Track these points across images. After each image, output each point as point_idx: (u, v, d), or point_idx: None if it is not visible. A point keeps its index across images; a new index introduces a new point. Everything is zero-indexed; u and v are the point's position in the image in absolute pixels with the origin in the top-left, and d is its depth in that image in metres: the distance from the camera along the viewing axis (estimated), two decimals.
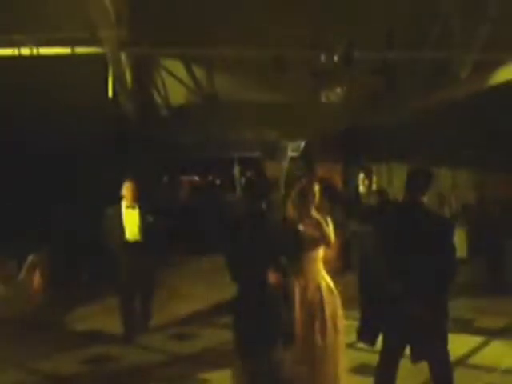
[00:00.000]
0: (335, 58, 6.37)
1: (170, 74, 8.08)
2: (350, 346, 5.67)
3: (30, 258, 7.63)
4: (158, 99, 8.67)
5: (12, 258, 7.66)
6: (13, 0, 6.10)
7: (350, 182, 12.02)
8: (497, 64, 7.51)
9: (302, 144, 12.57)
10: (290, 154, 12.65)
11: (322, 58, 6.56)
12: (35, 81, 7.38)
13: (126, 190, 6.81)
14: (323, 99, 7.68)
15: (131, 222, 6.79)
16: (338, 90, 7.52)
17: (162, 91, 8.47)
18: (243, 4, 6.67)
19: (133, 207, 6.81)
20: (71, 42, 6.23)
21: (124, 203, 6.83)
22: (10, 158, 9.34)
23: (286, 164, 12.63)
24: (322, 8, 6.89)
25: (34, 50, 6.12)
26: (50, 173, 9.60)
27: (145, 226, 6.82)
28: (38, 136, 8.91)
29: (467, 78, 7.50)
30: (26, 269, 7.58)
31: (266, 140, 11.89)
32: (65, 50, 6.26)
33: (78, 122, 9.05)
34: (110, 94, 6.40)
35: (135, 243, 6.78)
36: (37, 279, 7.63)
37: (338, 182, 12.06)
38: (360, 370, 5.45)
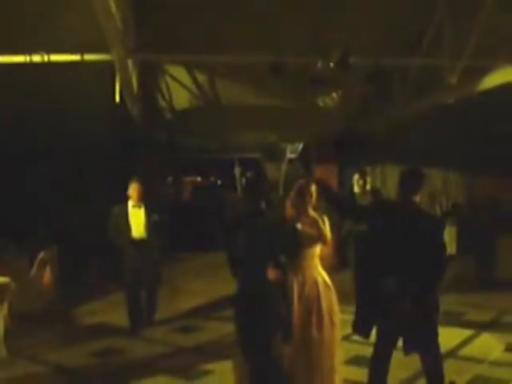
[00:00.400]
0: (331, 64, 6.38)
1: (174, 79, 8.09)
2: (346, 338, 5.72)
3: (41, 255, 7.64)
4: (162, 103, 8.68)
5: (23, 256, 7.67)
6: (22, 10, 6.11)
7: (346, 183, 12.05)
8: (486, 70, 7.50)
9: (300, 146, 12.58)
10: (289, 155, 12.67)
11: (319, 64, 6.57)
12: (45, 84, 7.39)
13: (132, 190, 6.86)
14: (320, 104, 7.69)
15: (137, 220, 6.83)
16: (334, 94, 7.53)
17: (166, 96, 8.47)
18: (244, 13, 6.69)
19: (139, 206, 6.86)
20: (80, 49, 6.24)
21: (130, 203, 6.87)
22: (19, 159, 9.35)
23: (284, 165, 12.64)
24: (321, 15, 6.92)
25: (45, 57, 6.12)
26: (59, 173, 9.63)
27: (150, 224, 6.86)
28: (48, 138, 8.92)
29: (457, 84, 7.50)
30: (36, 266, 7.59)
31: (266, 142, 11.88)
32: (74, 57, 6.26)
33: (86, 126, 9.07)
34: (117, 98, 6.40)
35: (141, 241, 6.82)
36: (47, 276, 7.64)
37: (333, 183, 12.06)
38: (355, 361, 5.47)
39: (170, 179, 14.82)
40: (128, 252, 6.76)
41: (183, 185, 15.04)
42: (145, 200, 6.89)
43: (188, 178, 15.39)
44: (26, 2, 6.11)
